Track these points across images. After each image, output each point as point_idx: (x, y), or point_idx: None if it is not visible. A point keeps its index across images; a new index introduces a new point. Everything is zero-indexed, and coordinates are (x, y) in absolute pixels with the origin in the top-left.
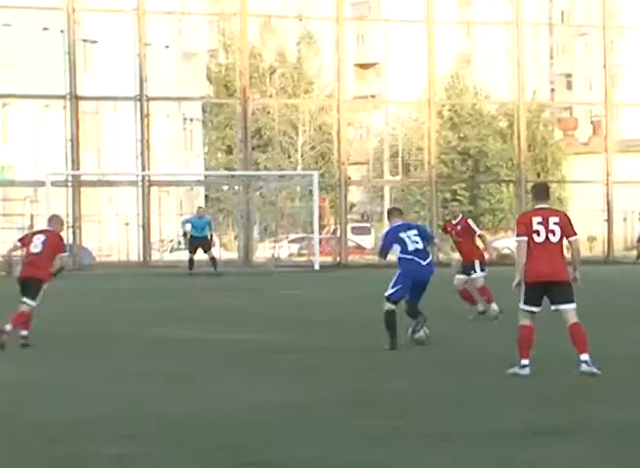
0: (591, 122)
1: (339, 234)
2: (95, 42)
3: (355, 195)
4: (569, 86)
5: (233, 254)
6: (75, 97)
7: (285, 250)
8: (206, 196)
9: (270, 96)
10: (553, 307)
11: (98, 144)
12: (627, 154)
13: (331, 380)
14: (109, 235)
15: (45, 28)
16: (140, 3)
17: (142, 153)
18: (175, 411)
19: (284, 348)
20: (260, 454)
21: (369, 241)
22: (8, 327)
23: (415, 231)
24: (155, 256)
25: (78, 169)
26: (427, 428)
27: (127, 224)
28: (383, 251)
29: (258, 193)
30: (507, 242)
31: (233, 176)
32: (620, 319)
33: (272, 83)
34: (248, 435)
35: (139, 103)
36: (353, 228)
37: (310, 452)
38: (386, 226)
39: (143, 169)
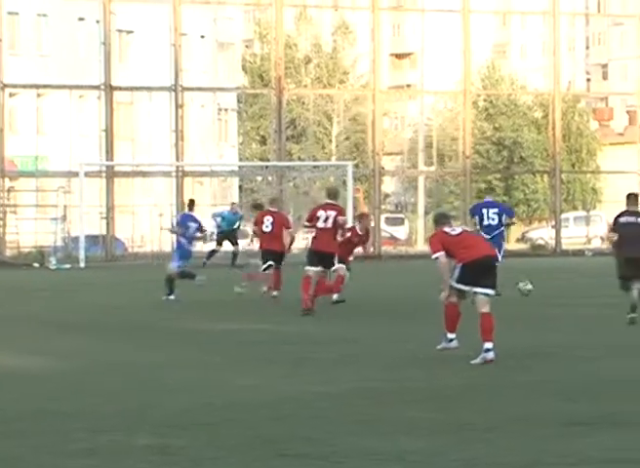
0: (627, 112)
1: (373, 225)
2: (130, 32)
3: (389, 186)
4: (604, 76)
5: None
6: (110, 88)
7: None
8: (240, 187)
9: (305, 86)
10: (477, 289)
11: (132, 135)
12: None
13: (365, 371)
14: (143, 226)
15: (80, 18)
16: None
17: (177, 144)
18: (214, 402)
19: (320, 339)
20: (298, 446)
21: (402, 232)
22: None
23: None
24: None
25: (112, 159)
26: (461, 419)
27: (161, 215)
28: None
29: (291, 184)
30: (542, 232)
31: (267, 167)
32: None
33: (307, 73)
34: (285, 426)
35: (173, 94)
36: (387, 219)
37: (348, 443)
38: (420, 217)
39: (177, 159)
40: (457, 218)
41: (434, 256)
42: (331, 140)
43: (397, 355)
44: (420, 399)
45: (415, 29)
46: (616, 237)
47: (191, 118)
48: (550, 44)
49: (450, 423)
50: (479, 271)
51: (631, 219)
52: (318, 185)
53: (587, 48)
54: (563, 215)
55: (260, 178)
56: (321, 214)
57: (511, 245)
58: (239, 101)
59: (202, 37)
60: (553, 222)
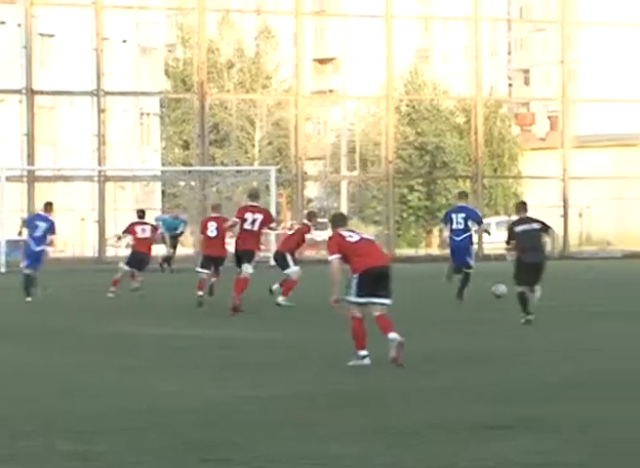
0: (548, 117)
1: (294, 230)
2: (51, 36)
3: (312, 190)
4: (526, 81)
5: (189, 250)
6: (31, 92)
7: None
8: (162, 192)
9: (228, 91)
10: (375, 299)
11: (53, 139)
12: (584, 150)
13: (296, 375)
14: (64, 230)
15: (2, 22)
16: None
17: (99, 148)
18: (136, 407)
19: (249, 343)
20: (222, 451)
21: (326, 236)
22: None
23: None
24: (110, 252)
25: (33, 164)
26: (387, 423)
27: (82, 220)
28: None
29: (214, 189)
30: None
31: (190, 172)
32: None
33: (230, 78)
34: (210, 431)
35: (95, 98)
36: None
37: (273, 448)
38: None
39: (99, 164)
40: (379, 223)
41: (329, 258)
42: (254, 145)
43: (329, 360)
44: (349, 403)
45: (337, 34)
46: (514, 246)
47: (113, 122)
48: (472, 49)
49: (376, 427)
50: (374, 281)
51: (527, 227)
52: (241, 190)
53: (509, 53)
54: (485, 221)
55: (182, 183)
56: (248, 216)
57: (433, 249)
58: (162, 106)
59: (124, 41)
60: (476, 227)
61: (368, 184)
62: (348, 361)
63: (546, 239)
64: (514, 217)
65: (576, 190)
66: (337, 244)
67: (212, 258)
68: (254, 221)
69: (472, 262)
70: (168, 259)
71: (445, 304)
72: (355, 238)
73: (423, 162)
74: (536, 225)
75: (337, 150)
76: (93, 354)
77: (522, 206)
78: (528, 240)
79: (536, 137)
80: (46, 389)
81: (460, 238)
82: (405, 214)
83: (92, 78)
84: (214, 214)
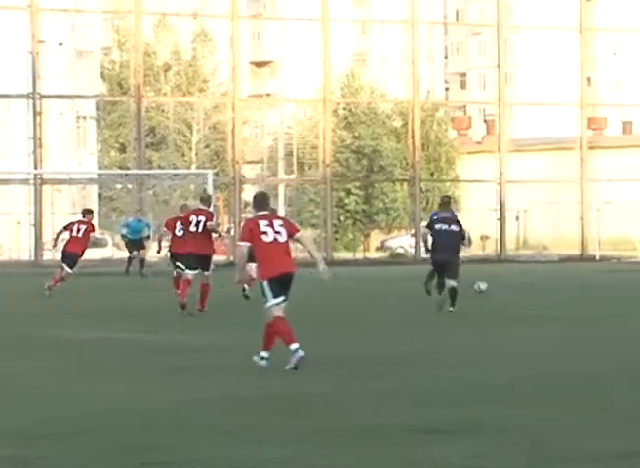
0: (485, 121)
1: (233, 233)
2: None
3: (250, 194)
4: (463, 85)
5: (125, 253)
6: None
7: None
8: (99, 195)
9: (165, 94)
10: (283, 298)
11: None
12: (520, 154)
13: (235, 379)
14: (0, 234)
15: None
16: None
17: (35, 151)
18: (74, 411)
19: (195, 347)
20: (160, 455)
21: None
22: None
23: None
24: (47, 256)
25: None
26: (320, 426)
27: (18, 223)
28: None
29: (151, 192)
30: (401, 240)
31: (126, 175)
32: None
33: (167, 81)
34: (149, 435)
35: (31, 101)
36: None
37: (210, 452)
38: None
39: (35, 167)
40: (317, 227)
41: (239, 243)
42: (191, 148)
43: (271, 362)
44: (284, 407)
45: (274, 38)
46: (430, 242)
47: (50, 125)
48: (409, 53)
49: (309, 431)
50: (281, 286)
51: (444, 227)
52: (178, 193)
53: (446, 57)
54: (422, 224)
55: (119, 186)
56: (192, 218)
57: (371, 253)
58: (98, 109)
59: (60, 44)
60: (413, 231)
61: (305, 188)
62: (286, 364)
63: (462, 240)
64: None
65: (512, 194)
66: (249, 233)
67: (179, 256)
68: (197, 223)
69: None
70: (142, 262)
71: (384, 307)
72: (269, 238)
73: (361, 165)
74: (454, 227)
75: (274, 153)
76: (30, 358)
77: (445, 203)
78: (442, 240)
79: (472, 141)
80: None
81: None
82: (342, 218)
83: (27, 81)
84: (181, 214)
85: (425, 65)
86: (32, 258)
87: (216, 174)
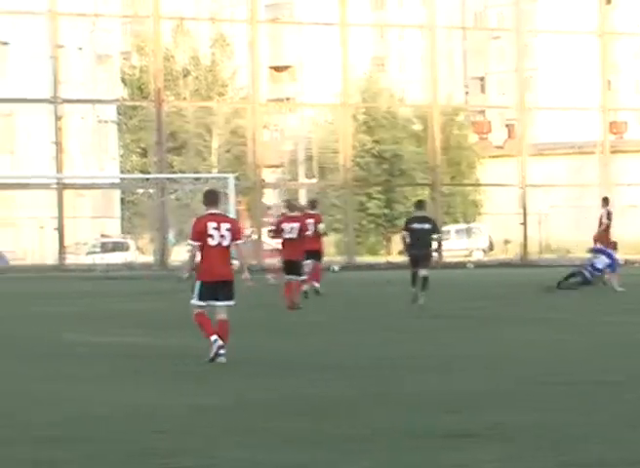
0: (506, 125)
1: (255, 237)
2: (6, 44)
3: (271, 198)
4: (482, 89)
5: (149, 258)
6: None
7: None
8: (121, 199)
9: (184, 98)
10: (217, 302)
11: (11, 147)
12: (541, 158)
13: (246, 382)
14: (24, 239)
15: None
16: (52, 4)
17: (57, 156)
18: (96, 414)
19: (204, 352)
20: (179, 459)
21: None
22: None
23: None
24: (70, 260)
25: None
26: (346, 430)
27: (42, 228)
28: None
29: (173, 196)
30: None
31: (148, 179)
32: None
33: (186, 86)
34: (167, 439)
35: (52, 106)
36: (269, 231)
37: (228, 455)
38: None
39: (58, 172)
40: (339, 231)
41: (190, 243)
42: (211, 153)
43: (273, 364)
44: (301, 410)
45: (293, 42)
46: (408, 239)
47: (71, 130)
48: (428, 57)
49: (328, 435)
50: (212, 291)
51: (419, 226)
52: (199, 198)
53: (465, 61)
54: (444, 228)
55: (141, 191)
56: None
57: (393, 257)
58: (119, 113)
59: (80, 49)
60: (436, 235)
61: (326, 192)
62: (275, 366)
63: (434, 237)
64: (462, 225)
65: (534, 198)
66: (200, 232)
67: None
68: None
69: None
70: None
71: (400, 311)
72: (214, 242)
73: (381, 170)
74: (427, 226)
75: (294, 158)
76: (48, 362)
77: (420, 205)
78: (417, 237)
79: (492, 145)
80: (12, 397)
81: None
82: (364, 222)
83: (49, 85)
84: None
85: (445, 70)
86: (56, 263)
87: (237, 178)
